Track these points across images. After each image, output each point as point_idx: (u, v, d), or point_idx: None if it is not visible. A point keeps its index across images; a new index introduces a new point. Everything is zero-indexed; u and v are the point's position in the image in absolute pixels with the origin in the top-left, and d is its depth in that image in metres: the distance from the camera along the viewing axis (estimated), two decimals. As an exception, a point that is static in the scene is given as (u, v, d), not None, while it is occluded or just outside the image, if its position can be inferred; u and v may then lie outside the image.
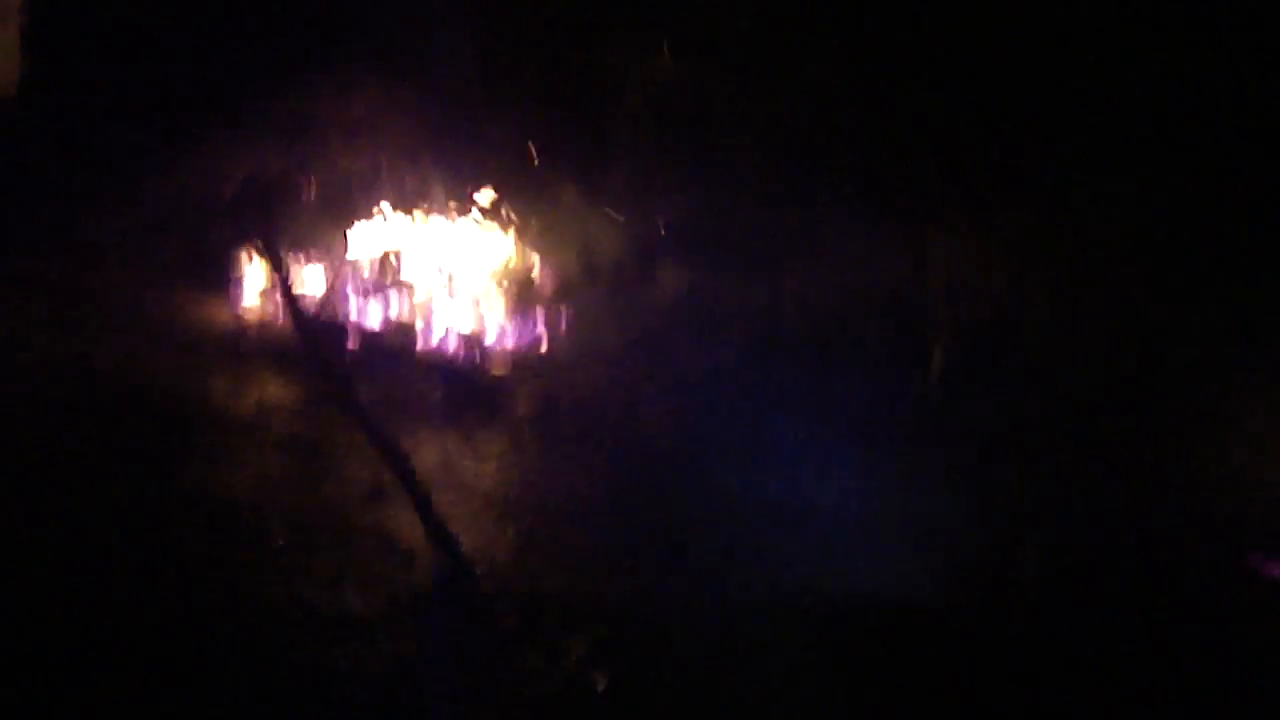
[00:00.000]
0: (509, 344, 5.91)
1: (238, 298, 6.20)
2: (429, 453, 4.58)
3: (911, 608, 3.86)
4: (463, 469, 4.59)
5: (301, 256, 6.31)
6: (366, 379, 5.25)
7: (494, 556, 3.97)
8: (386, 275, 6.24)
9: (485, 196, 6.71)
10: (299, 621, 3.52)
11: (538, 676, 3.37)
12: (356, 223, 6.60)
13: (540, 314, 6.15)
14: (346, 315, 5.98)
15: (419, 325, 5.91)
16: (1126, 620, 3.96)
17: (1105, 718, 3.46)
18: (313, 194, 6.80)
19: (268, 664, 3.32)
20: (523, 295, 6.22)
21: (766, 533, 4.32)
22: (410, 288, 6.18)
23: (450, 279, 6.25)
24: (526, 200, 6.77)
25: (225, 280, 6.31)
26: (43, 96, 7.37)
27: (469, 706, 3.30)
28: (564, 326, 6.11)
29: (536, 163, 6.94)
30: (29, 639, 3.24)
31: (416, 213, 6.68)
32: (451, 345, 5.79)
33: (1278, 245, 5.84)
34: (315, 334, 5.63)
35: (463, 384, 5.40)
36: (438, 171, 6.97)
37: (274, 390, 5.19)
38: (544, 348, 5.95)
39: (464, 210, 6.66)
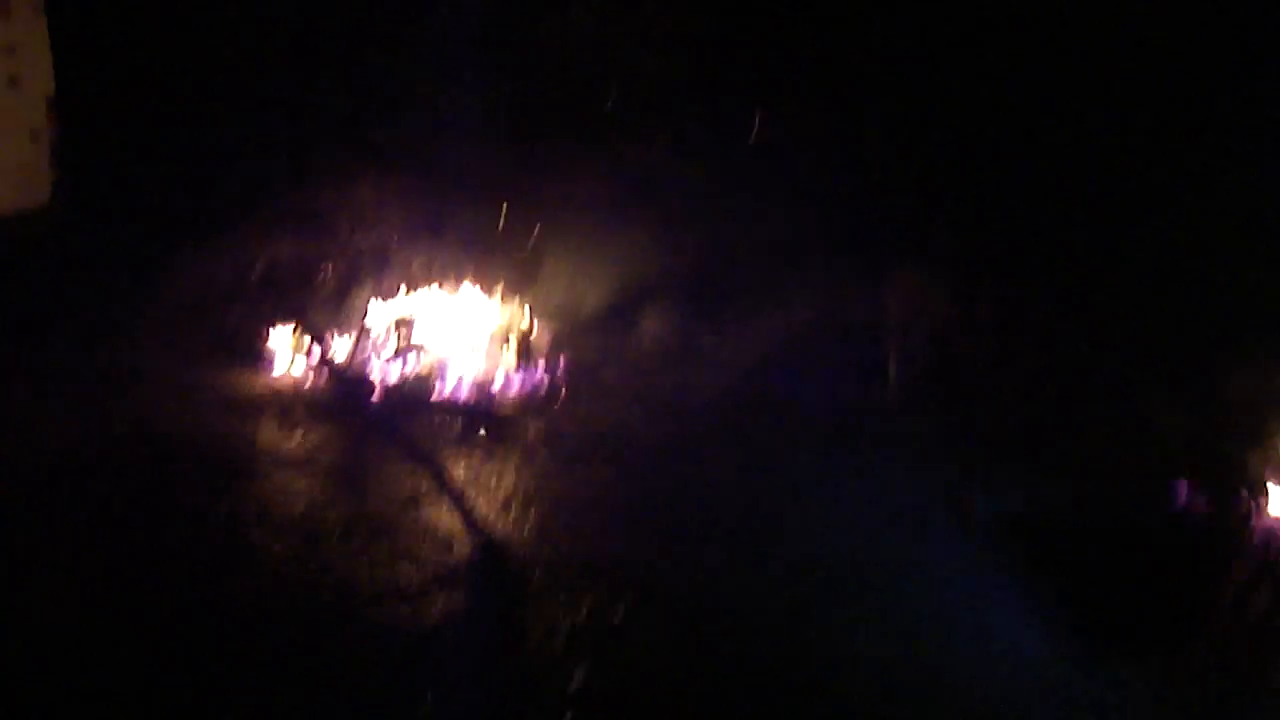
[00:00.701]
0: (514, 389, 6.71)
1: (270, 366, 6.99)
2: (454, 468, 5.35)
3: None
4: (484, 479, 5.36)
5: (326, 327, 7.11)
6: (394, 419, 6.03)
7: (518, 536, 4.73)
8: (401, 338, 7.05)
9: (483, 267, 7.57)
10: (365, 591, 4.27)
11: (563, 618, 4.11)
12: (371, 296, 7.43)
13: (539, 363, 6.97)
14: (370, 373, 6.78)
15: (434, 378, 6.70)
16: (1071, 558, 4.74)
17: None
18: (330, 273, 7.64)
19: (342, 625, 4.06)
20: (522, 348, 7.03)
21: (745, 516, 5.09)
22: (423, 348, 6.99)
23: (457, 338, 7.06)
24: (520, 269, 7.65)
25: (256, 352, 7.10)
26: (73, 202, 8.16)
27: (506, 649, 4.03)
28: (560, 372, 6.92)
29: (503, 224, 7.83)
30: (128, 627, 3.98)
31: (423, 286, 7.52)
32: (464, 392, 6.58)
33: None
34: (349, 385, 6.42)
35: (477, 420, 6.16)
36: (438, 249, 7.85)
37: (315, 434, 5.95)
38: (544, 390, 6.74)
39: (465, 280, 7.50)
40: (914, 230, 7.54)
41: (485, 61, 8.75)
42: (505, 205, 7.96)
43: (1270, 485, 4.92)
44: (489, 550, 4.58)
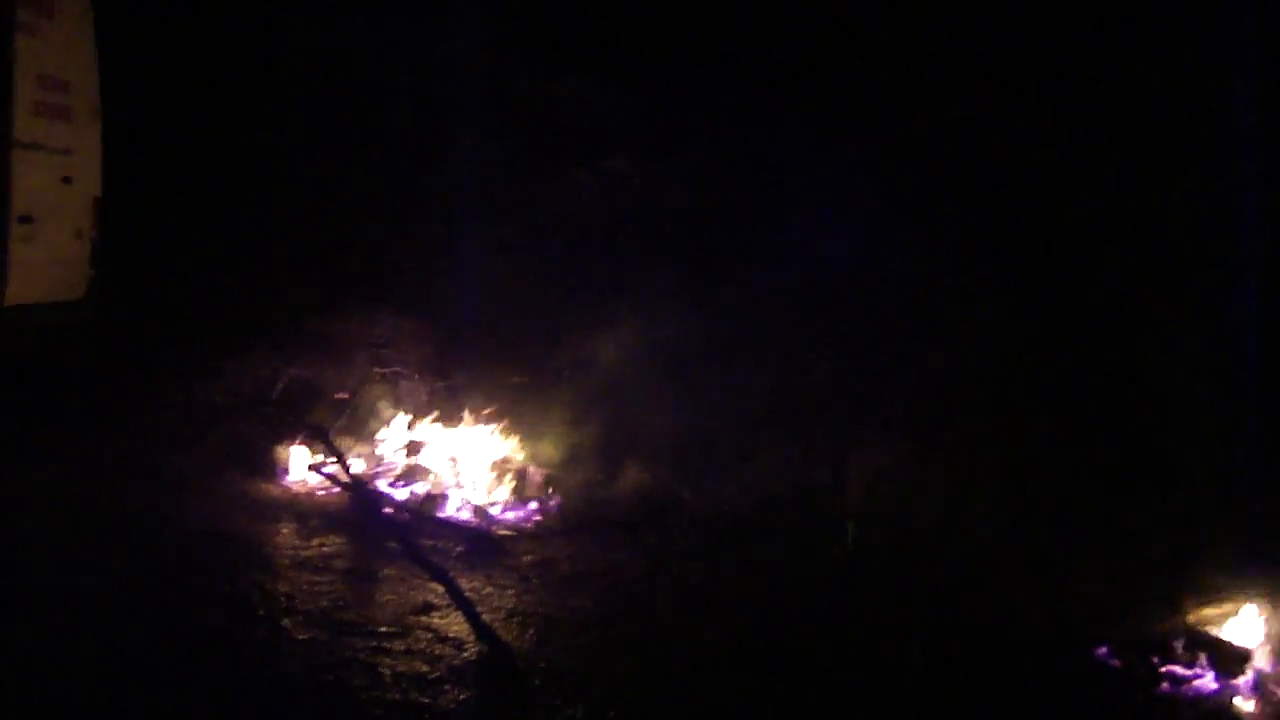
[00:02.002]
0: (511, 517, 7.37)
1: (285, 476, 7.61)
2: (460, 583, 5.96)
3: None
4: (486, 595, 5.99)
5: (341, 444, 7.77)
6: (403, 534, 6.66)
7: (519, 646, 5.34)
8: (410, 461, 7.72)
9: (486, 405, 8.29)
10: (383, 679, 4.86)
11: (560, 714, 4.73)
12: (384, 420, 8.12)
13: (534, 496, 7.65)
14: (380, 490, 7.42)
15: (438, 500, 7.34)
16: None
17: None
18: (347, 395, 8.33)
19: (370, 708, 4.63)
20: (519, 482, 7.70)
21: (724, 639, 5.74)
22: (430, 472, 7.65)
23: (460, 466, 7.74)
24: (518, 410, 8.37)
25: (272, 463, 7.73)
26: (107, 301, 8.69)
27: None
28: (553, 506, 7.60)
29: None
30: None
31: (431, 415, 8.21)
32: (467, 515, 7.22)
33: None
34: (361, 500, 7.06)
35: (478, 542, 6.79)
36: (446, 384, 8.57)
37: (332, 540, 6.56)
38: (538, 521, 7.41)
39: (469, 414, 8.20)
40: (872, 408, 8.44)
41: (507, 213, 9.66)
42: (511, 352, 8.73)
43: (1176, 647, 5.67)
44: (495, 654, 5.18)
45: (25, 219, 7.37)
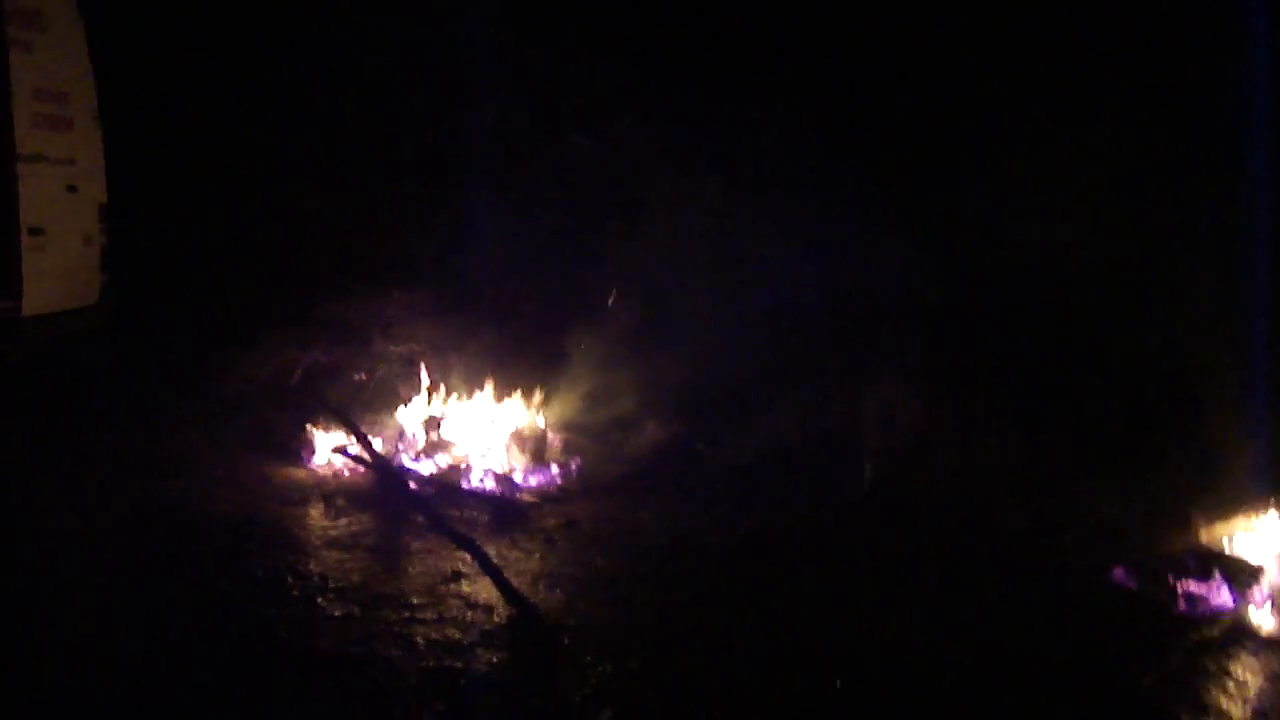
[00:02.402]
0: (533, 482, 7.50)
1: (310, 460, 7.76)
2: (486, 551, 6.10)
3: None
4: (513, 560, 6.13)
5: (362, 424, 7.91)
6: (427, 508, 6.80)
7: (548, 607, 5.49)
8: (431, 436, 7.85)
9: (502, 375, 8.40)
10: (417, 648, 5.00)
11: (590, 668, 4.86)
12: (402, 397, 8.25)
13: (554, 462, 7.78)
14: (403, 466, 7.56)
15: (460, 472, 7.48)
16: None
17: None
18: (365, 376, 8.46)
19: (407, 674, 4.78)
20: (538, 448, 7.83)
21: (741, 589, 5.87)
22: (451, 445, 7.79)
23: (480, 437, 7.87)
24: (535, 376, 8.48)
25: (297, 447, 7.88)
26: (120, 304, 8.85)
27: (544, 694, 4.78)
28: (573, 470, 7.73)
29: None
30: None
31: (449, 389, 8.34)
32: (490, 484, 7.36)
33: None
34: (385, 478, 7.20)
35: (502, 509, 6.93)
36: (462, 357, 8.69)
37: (359, 518, 6.72)
38: (559, 486, 7.54)
39: (486, 385, 8.32)
40: (885, 348, 8.51)
41: (507, 184, 9.72)
42: (525, 321, 8.84)
43: (1190, 565, 5.77)
44: (524, 617, 5.32)
45: (35, 230, 7.52)
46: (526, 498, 7.24)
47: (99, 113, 8.23)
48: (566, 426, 8.24)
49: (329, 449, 7.70)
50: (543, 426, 7.99)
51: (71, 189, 8.02)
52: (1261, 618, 5.48)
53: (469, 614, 5.39)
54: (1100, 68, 8.26)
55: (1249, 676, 5.05)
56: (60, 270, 7.89)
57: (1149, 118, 8.06)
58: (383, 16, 10.03)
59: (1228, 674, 5.04)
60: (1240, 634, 5.40)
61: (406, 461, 7.64)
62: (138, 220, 9.15)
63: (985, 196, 8.20)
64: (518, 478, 7.47)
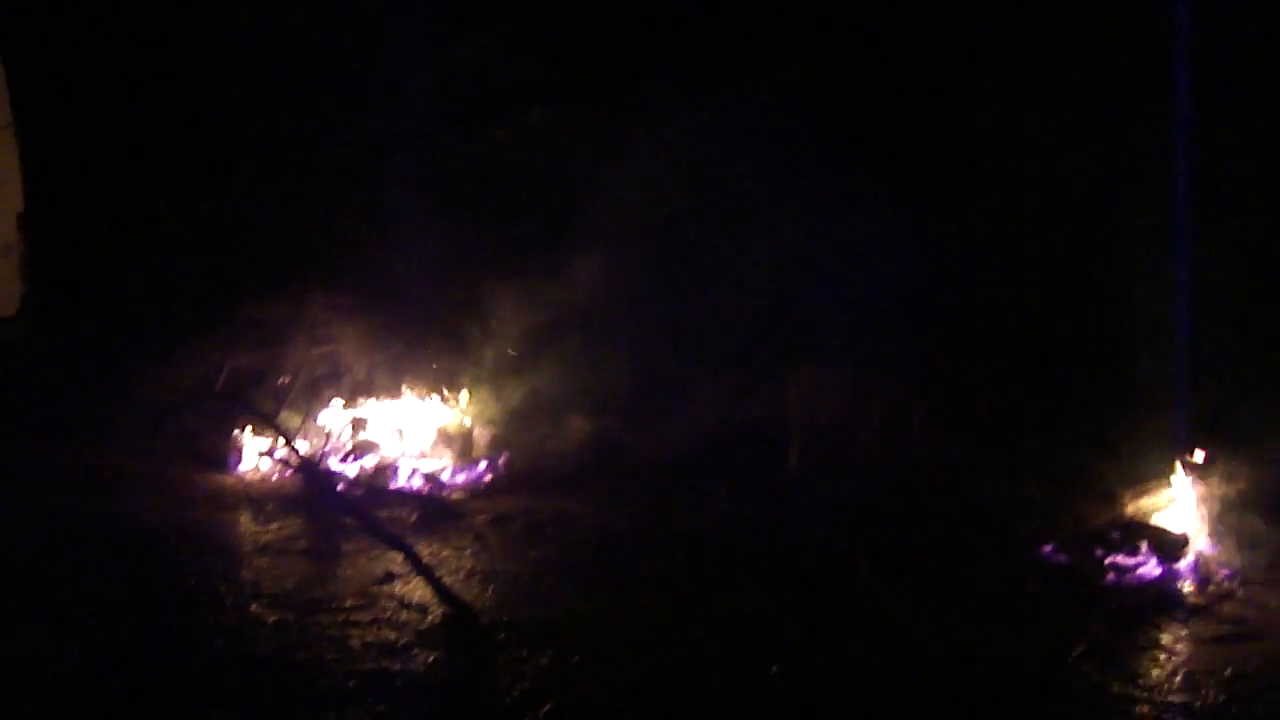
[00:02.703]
0: (461, 480, 7.57)
1: (236, 465, 7.75)
2: (421, 549, 6.16)
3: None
4: (445, 558, 6.21)
5: (287, 428, 7.89)
6: (357, 510, 6.84)
7: (481, 603, 5.58)
8: (357, 437, 7.87)
9: (426, 374, 8.44)
10: (358, 649, 5.06)
11: (527, 663, 4.96)
12: (326, 399, 8.25)
13: (481, 458, 7.84)
14: (330, 469, 7.58)
15: (388, 472, 7.53)
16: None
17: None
18: (289, 379, 8.43)
19: (344, 678, 4.83)
20: (465, 445, 7.90)
21: (675, 576, 6.01)
22: (377, 446, 7.82)
23: (406, 437, 7.91)
24: (458, 373, 8.52)
25: (222, 454, 7.86)
26: (42, 313, 8.75)
27: (483, 691, 4.87)
28: (501, 466, 7.80)
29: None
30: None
31: (373, 390, 8.35)
32: (418, 483, 7.41)
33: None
34: (313, 481, 7.22)
35: (431, 507, 7.00)
36: (385, 358, 8.69)
37: (288, 524, 6.74)
38: (487, 482, 7.62)
39: (410, 385, 8.35)
40: (808, 335, 8.69)
41: (429, 179, 9.72)
42: (444, 319, 8.86)
43: (1117, 538, 6.03)
44: (459, 614, 5.40)
45: (-48, 240, 7.39)
46: (456, 495, 7.32)
47: (13, 118, 8.09)
48: (494, 422, 8.29)
49: (256, 454, 7.69)
50: (469, 424, 8.04)
51: (-15, 199, 7.89)
52: (1189, 586, 5.73)
53: (404, 614, 5.46)
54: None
55: (1178, 645, 5.25)
56: (-21, 279, 7.76)
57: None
58: (301, 12, 9.96)
59: (1157, 644, 5.25)
60: (1168, 602, 5.64)
61: (334, 464, 7.66)
62: (55, 227, 9.03)
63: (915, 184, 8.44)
64: (446, 476, 7.53)
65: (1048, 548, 6.22)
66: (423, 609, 5.51)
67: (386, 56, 9.97)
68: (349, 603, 5.58)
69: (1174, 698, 4.73)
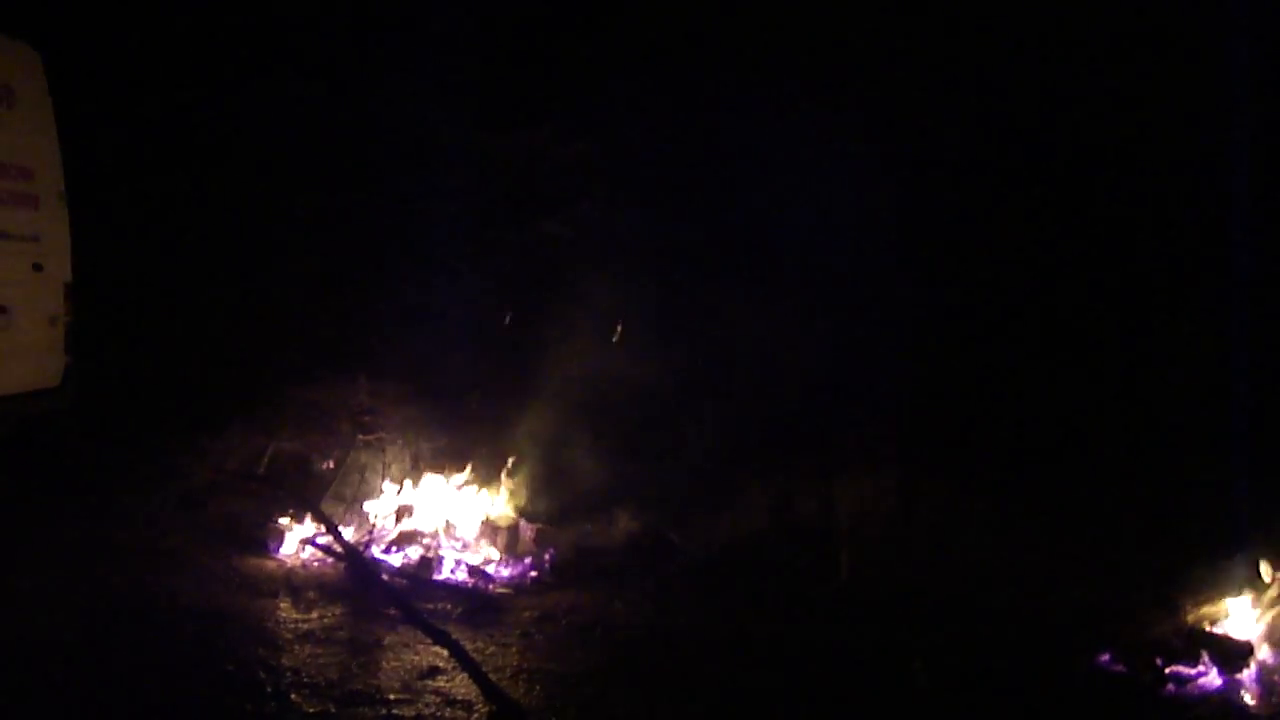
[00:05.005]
0: (506, 573, 7.41)
1: (279, 550, 7.62)
2: (464, 643, 5.99)
3: None
4: (491, 653, 6.03)
5: (330, 514, 7.78)
6: (400, 599, 6.68)
7: (528, 701, 5.39)
8: (402, 526, 7.75)
9: (472, 465, 8.33)
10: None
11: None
12: (371, 488, 8.14)
13: (527, 551, 7.69)
14: (374, 557, 7.44)
15: (432, 563, 7.38)
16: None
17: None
18: (331, 466, 8.34)
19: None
20: (510, 539, 7.75)
21: (723, 680, 5.81)
22: (422, 535, 7.69)
23: (451, 527, 7.78)
24: (505, 466, 8.41)
25: (263, 538, 7.73)
26: (84, 387, 8.69)
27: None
28: (547, 561, 7.64)
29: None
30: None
31: (418, 479, 8.25)
32: (462, 576, 7.26)
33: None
34: (355, 568, 7.08)
35: (476, 601, 6.83)
36: (431, 447, 8.60)
37: (331, 611, 6.58)
38: (534, 574, 7.45)
39: (456, 475, 8.25)
40: (855, 436, 8.53)
41: (478, 269, 9.72)
42: (493, 411, 8.78)
43: (1178, 647, 5.79)
44: (504, 713, 5.22)
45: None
46: (501, 589, 7.15)
47: (65, 191, 8.14)
48: (539, 517, 8.15)
49: (298, 539, 7.58)
50: (515, 517, 7.90)
51: (37, 268, 7.86)
52: (1251, 698, 5.50)
53: (448, 711, 5.28)
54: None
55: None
56: (23, 351, 7.71)
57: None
58: (352, 104, 10.09)
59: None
60: (1230, 715, 5.44)
61: (377, 552, 7.53)
62: (103, 301, 9.04)
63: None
64: (491, 569, 7.38)
65: (1105, 656, 6.00)
66: (468, 706, 5.34)
67: (439, 148, 10.06)
68: (391, 696, 5.42)
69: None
